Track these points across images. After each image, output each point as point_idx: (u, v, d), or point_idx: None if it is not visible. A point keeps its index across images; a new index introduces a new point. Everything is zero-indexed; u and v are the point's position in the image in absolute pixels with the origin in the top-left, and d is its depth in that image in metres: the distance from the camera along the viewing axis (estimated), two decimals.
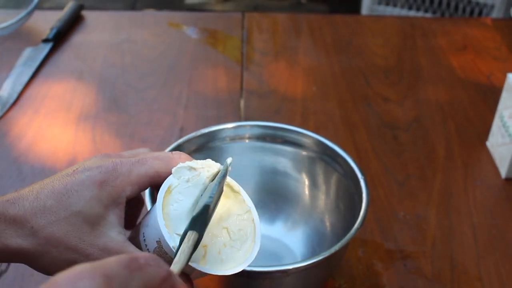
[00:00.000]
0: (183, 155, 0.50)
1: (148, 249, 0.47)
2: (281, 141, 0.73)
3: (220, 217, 0.48)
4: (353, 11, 2.48)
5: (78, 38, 1.15)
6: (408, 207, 0.80)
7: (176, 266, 0.39)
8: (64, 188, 0.45)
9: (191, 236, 0.41)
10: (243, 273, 0.48)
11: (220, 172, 0.48)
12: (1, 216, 0.44)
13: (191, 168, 0.48)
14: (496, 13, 1.89)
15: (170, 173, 0.48)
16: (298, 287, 0.60)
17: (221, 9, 2.80)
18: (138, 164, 0.48)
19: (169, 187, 0.47)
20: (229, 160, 0.49)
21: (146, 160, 0.48)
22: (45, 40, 1.11)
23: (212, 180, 0.48)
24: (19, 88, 1.00)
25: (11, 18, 1.12)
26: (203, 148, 0.71)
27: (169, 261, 0.41)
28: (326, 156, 0.70)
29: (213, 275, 0.46)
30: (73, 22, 1.18)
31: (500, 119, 0.86)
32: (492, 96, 1.00)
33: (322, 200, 0.72)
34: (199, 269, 0.45)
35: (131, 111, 0.96)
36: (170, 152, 0.50)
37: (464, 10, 1.99)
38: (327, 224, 0.71)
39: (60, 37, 1.13)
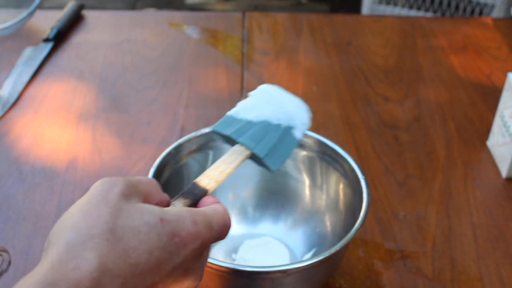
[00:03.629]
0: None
1: None
2: None
3: None
4: (353, 11, 2.48)
5: (78, 38, 1.15)
6: (408, 207, 0.80)
7: None
8: None
9: None
10: (243, 273, 0.48)
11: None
12: None
13: None
14: (496, 13, 1.89)
15: None
16: (298, 287, 0.60)
17: (222, 9, 2.80)
18: None
19: None
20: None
21: None
22: (46, 40, 1.11)
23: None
24: (19, 88, 1.00)
25: (12, 18, 1.12)
26: (203, 147, 0.71)
27: None
28: (327, 156, 0.70)
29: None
30: (73, 22, 1.18)
31: (501, 119, 0.86)
32: (492, 96, 1.00)
33: (322, 200, 0.72)
34: None
35: (131, 111, 0.96)
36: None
37: (464, 9, 1.99)
38: (327, 223, 0.71)
39: (60, 37, 1.13)
